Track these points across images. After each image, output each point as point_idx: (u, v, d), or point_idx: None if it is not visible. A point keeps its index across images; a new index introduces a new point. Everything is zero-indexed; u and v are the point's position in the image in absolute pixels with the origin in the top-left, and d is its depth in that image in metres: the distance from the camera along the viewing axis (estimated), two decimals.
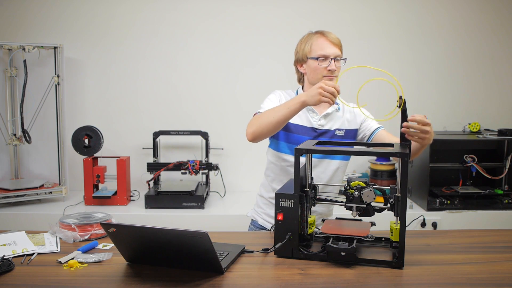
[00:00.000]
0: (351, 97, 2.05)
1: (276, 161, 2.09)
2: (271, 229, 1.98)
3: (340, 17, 3.43)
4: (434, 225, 2.90)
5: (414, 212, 2.97)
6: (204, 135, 3.27)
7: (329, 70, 1.99)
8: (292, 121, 2.02)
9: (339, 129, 2.08)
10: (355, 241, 1.63)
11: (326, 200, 1.81)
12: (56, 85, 3.12)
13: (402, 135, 1.71)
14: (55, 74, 3.11)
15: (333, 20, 3.43)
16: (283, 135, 2.06)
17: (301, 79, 2.15)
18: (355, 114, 2.13)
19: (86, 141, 3.15)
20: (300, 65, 2.09)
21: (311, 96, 1.81)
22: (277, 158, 2.09)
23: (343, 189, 1.70)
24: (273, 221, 2.04)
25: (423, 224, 2.89)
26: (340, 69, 2.03)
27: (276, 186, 2.09)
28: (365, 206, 1.65)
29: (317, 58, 1.99)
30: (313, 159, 1.96)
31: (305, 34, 2.09)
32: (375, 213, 1.67)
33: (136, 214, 2.98)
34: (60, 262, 1.62)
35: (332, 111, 2.09)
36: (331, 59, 1.99)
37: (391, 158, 3.19)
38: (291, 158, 2.00)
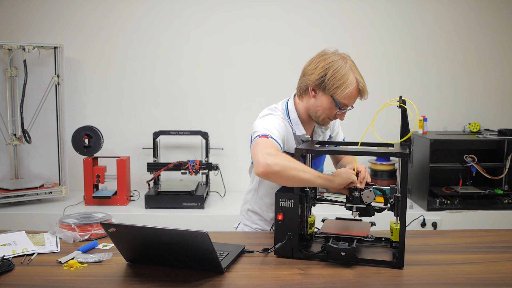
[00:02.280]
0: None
1: (277, 187, 1.91)
2: (271, 229, 1.98)
3: (341, 18, 3.43)
4: (434, 225, 2.90)
5: (414, 212, 2.97)
6: (204, 135, 3.27)
7: (338, 116, 1.85)
8: (290, 150, 1.83)
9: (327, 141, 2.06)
10: (355, 241, 1.63)
11: (326, 200, 1.81)
12: (56, 85, 3.12)
13: (402, 134, 1.71)
14: (55, 74, 3.11)
15: (335, 21, 3.43)
16: None
17: (303, 94, 1.89)
18: (333, 123, 2.11)
19: (86, 141, 3.15)
20: (314, 89, 1.83)
21: (340, 188, 1.69)
22: (277, 186, 1.86)
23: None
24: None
25: (423, 224, 2.89)
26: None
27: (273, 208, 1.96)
28: (365, 206, 1.65)
29: (340, 107, 1.79)
30: None
31: (337, 58, 1.81)
32: (375, 213, 1.67)
33: (136, 214, 2.98)
34: (60, 262, 1.62)
35: (323, 133, 2.04)
36: (349, 108, 1.83)
37: (391, 158, 3.19)
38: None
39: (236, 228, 2.18)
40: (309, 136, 1.93)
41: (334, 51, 1.86)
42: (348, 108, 1.83)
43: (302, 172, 1.62)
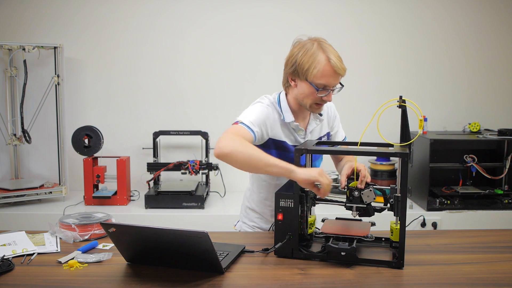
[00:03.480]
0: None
1: (271, 180, 1.97)
2: (271, 229, 1.98)
3: (341, 18, 3.43)
4: (434, 225, 2.90)
5: (414, 212, 2.97)
6: (204, 135, 3.27)
7: (325, 99, 1.82)
8: (279, 138, 1.88)
9: (322, 136, 2.04)
10: (355, 241, 1.63)
11: (326, 200, 1.81)
12: (56, 85, 3.12)
13: (402, 135, 1.71)
14: (55, 74, 3.11)
15: (335, 22, 3.43)
16: (278, 155, 1.86)
17: (287, 86, 1.91)
18: (328, 116, 2.06)
19: (86, 141, 3.15)
20: (292, 79, 1.85)
21: (302, 182, 1.60)
22: (271, 178, 1.96)
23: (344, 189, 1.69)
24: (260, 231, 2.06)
25: (423, 224, 2.89)
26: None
27: (270, 202, 1.99)
28: (365, 206, 1.65)
29: (317, 89, 1.78)
30: None
31: (306, 42, 1.85)
32: (375, 213, 1.67)
33: (136, 214, 2.98)
34: (60, 262, 1.62)
35: (318, 124, 1.99)
36: (331, 89, 1.80)
37: (391, 158, 3.19)
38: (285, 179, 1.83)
39: (235, 225, 2.18)
40: (298, 124, 1.90)
41: (308, 38, 1.88)
42: (332, 88, 1.79)
43: (255, 157, 1.63)
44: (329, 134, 2.08)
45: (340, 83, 1.85)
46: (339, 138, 2.13)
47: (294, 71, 1.82)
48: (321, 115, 1.98)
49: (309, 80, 1.78)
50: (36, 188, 3.11)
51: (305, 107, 1.86)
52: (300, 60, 1.79)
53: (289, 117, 1.89)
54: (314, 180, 1.58)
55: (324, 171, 1.64)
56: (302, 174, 1.59)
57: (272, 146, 1.88)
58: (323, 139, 2.03)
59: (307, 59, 1.78)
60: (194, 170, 3.14)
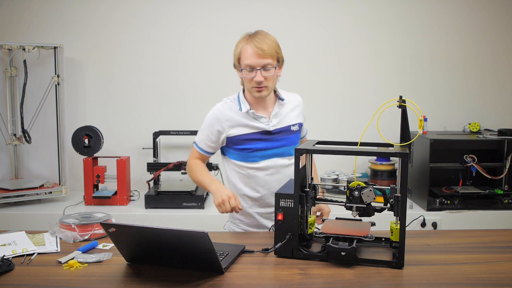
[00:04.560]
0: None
1: (241, 169, 2.06)
2: (271, 229, 1.98)
3: (341, 17, 3.43)
4: (434, 225, 2.90)
5: (414, 212, 2.97)
6: None
7: (255, 81, 1.92)
8: (242, 132, 2.01)
9: (293, 124, 2.07)
10: (355, 241, 1.63)
11: (326, 200, 1.81)
12: (56, 85, 3.12)
13: (402, 135, 1.71)
14: (55, 74, 3.11)
15: (335, 22, 3.43)
16: (245, 148, 2.02)
17: (242, 83, 2.07)
18: (298, 107, 2.14)
19: (86, 141, 3.15)
20: (239, 73, 2.01)
21: (214, 200, 1.92)
22: (240, 167, 2.06)
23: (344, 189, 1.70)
24: (252, 229, 2.10)
25: (423, 224, 2.89)
26: (275, 76, 1.97)
27: (250, 193, 2.06)
28: (365, 206, 1.65)
29: (241, 69, 1.95)
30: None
31: (240, 38, 2.01)
32: (375, 213, 1.67)
33: (136, 214, 2.98)
34: (60, 262, 1.62)
35: (280, 109, 2.06)
36: (257, 70, 1.91)
37: (391, 158, 3.19)
38: (254, 165, 2.03)
39: (224, 226, 2.23)
40: (254, 111, 2.01)
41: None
42: (257, 69, 1.91)
43: (196, 178, 2.06)
44: (301, 124, 2.13)
45: (277, 63, 1.97)
46: (303, 132, 2.20)
47: (234, 65, 2.02)
48: (282, 99, 2.07)
49: (237, 65, 1.98)
50: (36, 188, 3.11)
51: (251, 93, 1.99)
52: (233, 53, 2.00)
53: (244, 107, 2.02)
54: (217, 204, 1.90)
55: (226, 195, 1.88)
56: (214, 197, 1.92)
57: (231, 144, 2.04)
58: (293, 128, 2.08)
59: (235, 49, 1.99)
60: None
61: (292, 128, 2.07)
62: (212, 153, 2.12)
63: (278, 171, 2.04)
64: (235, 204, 1.87)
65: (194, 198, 3.03)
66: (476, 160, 3.03)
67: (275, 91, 2.08)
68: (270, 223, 2.06)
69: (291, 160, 2.03)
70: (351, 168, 3.40)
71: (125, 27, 3.40)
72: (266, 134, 2.02)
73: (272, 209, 1.92)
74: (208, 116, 2.08)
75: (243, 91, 2.07)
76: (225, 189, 1.93)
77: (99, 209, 2.79)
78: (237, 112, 2.03)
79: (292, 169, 1.97)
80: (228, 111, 2.04)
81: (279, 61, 1.99)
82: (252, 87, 1.95)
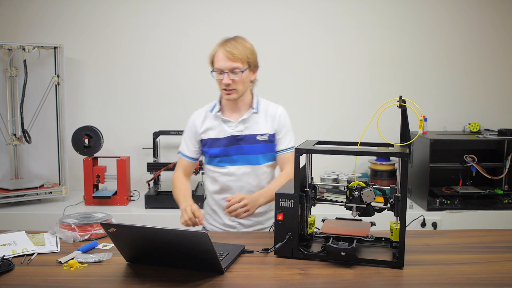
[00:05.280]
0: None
1: (209, 172, 2.16)
2: (271, 229, 1.98)
3: (341, 18, 3.43)
4: (434, 225, 2.90)
5: (414, 212, 2.97)
6: None
7: (223, 83, 2.00)
8: (211, 136, 2.10)
9: (261, 134, 2.08)
10: (355, 241, 1.63)
11: (326, 200, 1.81)
12: (56, 85, 3.12)
13: (402, 135, 1.71)
14: (55, 74, 3.11)
15: (334, 22, 3.43)
16: (210, 151, 2.11)
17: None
18: (274, 118, 2.10)
19: (86, 141, 3.15)
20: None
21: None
22: (208, 170, 2.16)
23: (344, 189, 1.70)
24: (215, 228, 2.16)
25: (423, 224, 2.89)
26: (244, 80, 2.02)
27: (212, 197, 2.17)
28: (365, 206, 1.65)
29: (212, 71, 2.04)
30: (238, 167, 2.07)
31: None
32: (375, 213, 1.67)
33: (136, 214, 2.98)
34: (60, 262, 1.62)
35: (249, 116, 2.09)
36: (225, 72, 1.99)
37: (391, 158, 3.19)
38: (219, 169, 2.10)
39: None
40: (220, 113, 2.10)
41: None
42: (225, 72, 1.98)
43: (175, 196, 2.11)
44: (272, 135, 2.10)
45: (248, 68, 2.02)
46: (282, 145, 2.12)
47: (210, 67, 2.07)
48: (253, 108, 2.10)
49: (213, 68, 2.03)
50: (36, 188, 3.11)
51: (222, 96, 2.07)
52: (209, 55, 2.07)
53: (215, 109, 2.11)
54: (181, 222, 1.94)
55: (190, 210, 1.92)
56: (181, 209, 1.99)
57: (203, 146, 2.13)
58: (261, 138, 2.08)
59: (210, 52, 2.06)
60: (194, 170, 3.14)
61: (259, 137, 2.07)
62: (196, 159, 2.19)
63: (240, 178, 2.08)
64: (187, 217, 1.90)
65: (194, 198, 3.00)
66: (476, 160, 3.03)
67: (253, 98, 2.12)
68: (234, 224, 2.12)
69: (255, 170, 2.08)
70: (351, 168, 3.40)
71: (125, 27, 3.40)
72: (232, 139, 2.07)
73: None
74: (188, 121, 2.18)
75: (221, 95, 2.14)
76: (190, 205, 1.95)
77: (99, 209, 2.79)
78: (210, 116, 2.12)
79: (254, 178, 2.08)
80: (203, 115, 2.14)
81: (251, 66, 2.03)
82: (222, 89, 2.03)
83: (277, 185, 1.96)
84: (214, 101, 2.17)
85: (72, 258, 1.64)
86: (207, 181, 2.19)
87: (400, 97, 1.69)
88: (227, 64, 1.98)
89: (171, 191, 3.04)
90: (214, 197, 2.16)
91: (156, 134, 3.28)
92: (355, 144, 1.78)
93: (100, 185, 3.19)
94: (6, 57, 3.17)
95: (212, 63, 2.05)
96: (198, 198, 3.03)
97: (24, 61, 3.05)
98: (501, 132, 3.09)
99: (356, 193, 1.65)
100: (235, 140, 2.07)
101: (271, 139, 2.10)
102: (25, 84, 3.06)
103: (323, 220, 1.82)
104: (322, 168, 3.30)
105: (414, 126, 1.79)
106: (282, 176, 2.08)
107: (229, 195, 2.05)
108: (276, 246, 1.65)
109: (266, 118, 2.10)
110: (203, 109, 2.18)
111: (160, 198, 3.04)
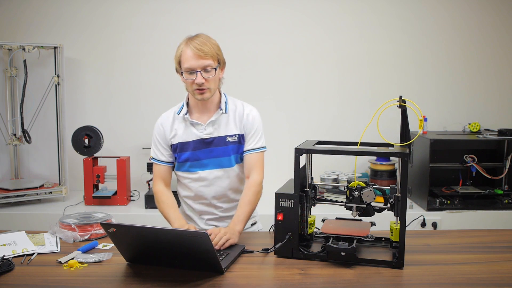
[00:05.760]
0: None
1: (180, 179, 2.07)
2: (271, 229, 1.98)
3: (340, 17, 3.43)
4: (434, 225, 2.90)
5: (414, 212, 2.97)
6: None
7: (196, 83, 1.88)
8: (180, 140, 1.99)
9: (230, 135, 1.99)
10: (355, 241, 1.63)
11: (326, 200, 1.81)
12: (56, 85, 3.12)
13: (402, 135, 1.71)
14: (55, 74, 3.11)
15: (334, 21, 3.43)
16: (180, 156, 2.01)
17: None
18: (241, 118, 2.01)
19: (86, 141, 3.15)
20: (178, 74, 1.96)
21: None
22: (179, 176, 2.07)
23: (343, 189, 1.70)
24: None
25: (423, 224, 2.89)
26: (216, 78, 1.93)
27: (185, 201, 2.09)
28: (365, 206, 1.65)
29: (182, 73, 1.91)
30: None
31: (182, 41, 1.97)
32: (375, 213, 1.67)
33: (136, 214, 2.98)
34: (60, 262, 1.62)
35: (217, 117, 1.99)
36: (197, 71, 1.87)
37: (391, 158, 3.19)
38: (190, 175, 2.01)
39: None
40: (188, 116, 2.00)
41: None
42: (197, 71, 1.87)
43: (165, 215, 1.99)
44: (241, 136, 2.01)
45: (218, 65, 1.93)
46: (246, 146, 2.01)
47: (176, 69, 1.96)
48: (221, 109, 1.99)
49: (181, 69, 1.91)
50: (36, 188, 3.11)
51: (194, 96, 1.95)
52: (174, 57, 1.94)
53: (182, 111, 2.01)
54: None
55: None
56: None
57: (174, 151, 2.02)
58: (230, 139, 1.99)
59: (176, 53, 1.93)
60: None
61: (229, 139, 1.99)
62: (171, 163, 2.05)
63: (213, 182, 2.00)
64: None
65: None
66: (476, 160, 3.03)
67: (221, 98, 2.02)
68: (210, 228, 2.03)
69: (227, 172, 2.00)
70: (351, 168, 3.40)
71: (125, 27, 3.40)
72: (201, 143, 1.98)
73: (210, 216, 2.03)
74: (155, 125, 2.07)
75: (188, 96, 2.04)
76: (187, 226, 1.88)
77: (99, 209, 2.80)
78: (178, 119, 2.02)
79: (226, 180, 2.00)
80: (171, 118, 2.04)
81: (220, 63, 1.95)
82: (194, 89, 1.91)
83: (248, 209, 1.91)
84: (180, 103, 2.06)
85: (72, 258, 1.64)
86: (179, 187, 2.10)
87: (400, 97, 1.70)
88: (199, 62, 1.86)
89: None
90: (188, 202, 2.07)
91: None
92: (355, 144, 1.78)
93: (100, 185, 3.19)
94: (6, 57, 3.17)
95: (179, 63, 1.92)
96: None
97: (24, 61, 3.05)
98: (501, 132, 3.09)
99: (356, 193, 1.65)
100: (204, 144, 1.98)
101: (241, 140, 2.00)
102: (25, 84, 3.06)
103: (323, 220, 1.82)
104: (322, 168, 3.30)
105: (414, 126, 1.79)
106: (247, 194, 1.95)
107: (204, 201, 2.01)
108: (276, 246, 1.65)
109: (234, 118, 2.01)
110: (171, 111, 2.07)
111: None
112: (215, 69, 1.91)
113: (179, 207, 2.07)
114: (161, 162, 2.04)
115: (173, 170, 2.10)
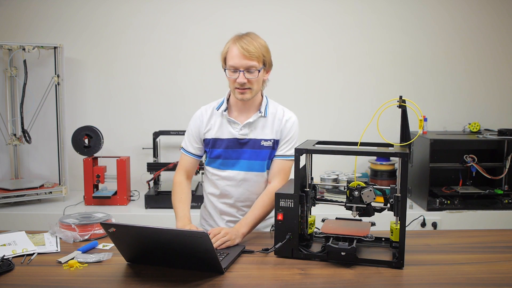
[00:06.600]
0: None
1: (208, 174, 2.07)
2: (271, 229, 1.98)
3: (340, 17, 3.43)
4: (434, 225, 2.90)
5: (414, 212, 2.97)
6: None
7: (238, 82, 1.87)
8: (214, 136, 1.99)
9: (265, 140, 1.96)
10: (355, 241, 1.63)
11: (326, 200, 1.81)
12: (56, 85, 3.12)
13: (402, 135, 1.71)
14: (55, 74, 3.11)
15: (334, 21, 3.43)
16: (211, 152, 2.01)
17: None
18: (280, 123, 1.98)
19: (86, 141, 3.15)
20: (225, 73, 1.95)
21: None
22: (207, 171, 2.07)
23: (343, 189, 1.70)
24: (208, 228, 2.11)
25: (423, 224, 2.89)
26: (259, 80, 1.91)
27: (209, 198, 2.09)
28: (365, 206, 1.65)
29: (225, 69, 1.92)
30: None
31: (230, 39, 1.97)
32: (375, 213, 1.67)
33: (136, 214, 2.98)
34: (60, 262, 1.62)
35: (255, 120, 1.97)
36: (240, 71, 1.86)
37: (391, 158, 3.19)
38: (219, 172, 2.01)
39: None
40: (226, 113, 1.99)
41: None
42: (241, 70, 1.86)
43: (174, 207, 2.01)
44: (276, 142, 1.98)
45: (263, 67, 1.92)
46: (277, 152, 1.99)
47: (222, 65, 1.96)
48: (260, 112, 1.98)
49: (226, 66, 1.92)
50: (36, 188, 3.11)
51: (234, 95, 1.94)
52: (221, 53, 1.95)
53: (222, 107, 2.00)
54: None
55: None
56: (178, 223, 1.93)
57: (206, 146, 2.03)
58: (265, 144, 1.96)
59: (223, 49, 1.94)
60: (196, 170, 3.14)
61: (263, 143, 1.96)
62: (199, 156, 2.06)
63: (240, 184, 1.99)
64: None
65: (194, 198, 3.01)
66: (476, 160, 3.02)
67: (262, 101, 2.00)
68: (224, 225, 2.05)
69: (256, 176, 1.98)
70: (351, 168, 3.40)
71: (125, 27, 3.40)
72: (235, 142, 1.97)
73: (231, 218, 2.02)
74: (193, 116, 2.08)
75: (230, 94, 2.04)
76: (189, 226, 1.88)
77: (99, 209, 2.80)
78: (216, 114, 2.01)
79: (254, 185, 1.98)
80: (209, 112, 2.03)
81: (266, 65, 1.92)
82: (235, 88, 1.90)
83: (259, 212, 1.90)
84: (221, 98, 2.05)
85: (72, 258, 1.64)
86: (206, 183, 2.10)
87: (400, 97, 1.70)
88: (243, 62, 1.85)
89: (171, 191, 3.07)
90: (212, 200, 2.07)
91: (156, 134, 3.28)
92: (355, 144, 1.78)
93: (100, 185, 3.19)
94: (6, 57, 3.17)
95: (224, 60, 1.92)
96: (199, 198, 3.03)
97: (24, 61, 3.05)
98: (501, 132, 3.09)
99: (356, 193, 1.65)
100: (238, 144, 1.97)
101: (275, 146, 1.98)
102: (25, 84, 3.06)
103: (323, 220, 1.82)
104: (322, 168, 3.29)
105: (414, 126, 1.79)
106: (262, 198, 1.94)
107: (228, 201, 2.01)
108: (276, 246, 1.65)
109: (273, 122, 1.98)
110: (210, 105, 2.06)
111: (160, 198, 3.03)
112: (259, 71, 1.89)
113: (202, 203, 2.11)
114: (189, 154, 2.06)
115: (196, 173, 2.09)
